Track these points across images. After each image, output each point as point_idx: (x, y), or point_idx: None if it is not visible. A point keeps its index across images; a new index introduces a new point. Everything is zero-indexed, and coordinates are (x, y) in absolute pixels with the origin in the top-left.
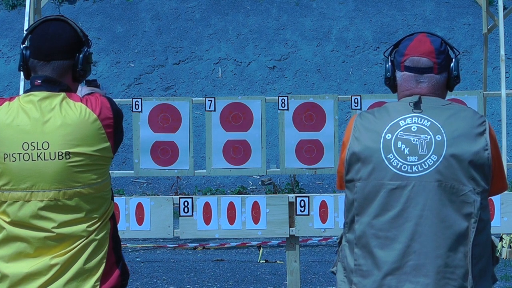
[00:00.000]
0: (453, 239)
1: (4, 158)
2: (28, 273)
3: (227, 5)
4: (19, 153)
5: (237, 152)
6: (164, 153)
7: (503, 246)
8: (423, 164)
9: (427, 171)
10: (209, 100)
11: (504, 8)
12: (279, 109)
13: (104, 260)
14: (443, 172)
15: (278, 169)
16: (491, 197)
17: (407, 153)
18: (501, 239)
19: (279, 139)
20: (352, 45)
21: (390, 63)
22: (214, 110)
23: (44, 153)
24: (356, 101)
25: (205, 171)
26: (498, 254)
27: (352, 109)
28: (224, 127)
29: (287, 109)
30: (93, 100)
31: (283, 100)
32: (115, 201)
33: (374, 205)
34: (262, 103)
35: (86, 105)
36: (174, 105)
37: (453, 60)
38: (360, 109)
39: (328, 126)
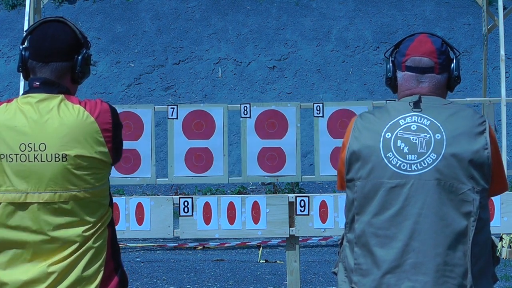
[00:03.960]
0: (452, 238)
1: (1, 159)
2: (26, 281)
3: (227, 5)
4: (16, 154)
5: (199, 159)
6: (127, 161)
7: (503, 246)
8: (422, 162)
9: (426, 170)
10: (171, 108)
11: (504, 8)
12: (241, 117)
13: (102, 268)
14: (442, 170)
15: (240, 177)
16: (491, 197)
17: (407, 151)
18: (501, 239)
19: (241, 147)
20: (352, 45)
21: (391, 64)
22: (177, 118)
23: (41, 154)
24: (318, 108)
25: (167, 179)
26: (498, 254)
27: (314, 116)
28: (187, 134)
29: (249, 117)
30: (92, 103)
31: (245, 108)
32: (115, 201)
33: (373, 203)
34: (224, 111)
35: (85, 107)
36: (137, 113)
37: (454, 60)
38: (323, 116)
39: (290, 134)
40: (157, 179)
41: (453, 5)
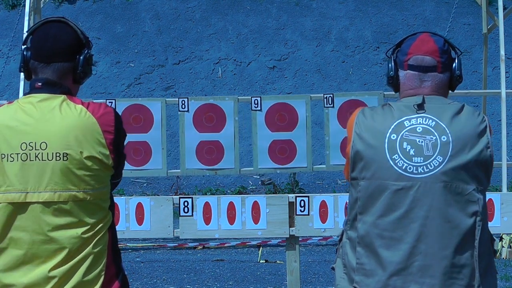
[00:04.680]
0: (459, 239)
1: (2, 158)
2: (27, 285)
3: (227, 5)
4: (17, 153)
5: (137, 153)
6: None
7: (503, 246)
8: (428, 165)
9: (432, 172)
10: (109, 102)
11: (504, 8)
12: (179, 111)
13: (103, 272)
14: (448, 173)
15: (179, 170)
16: (491, 197)
17: (413, 154)
18: (501, 239)
19: (179, 140)
20: (352, 45)
21: (392, 63)
22: (188, 111)
23: (42, 153)
24: (256, 102)
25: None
26: (498, 254)
27: (252, 110)
28: (126, 128)
29: (187, 111)
30: (96, 105)
31: (183, 102)
32: (115, 201)
33: (378, 205)
34: (162, 105)
35: (87, 108)
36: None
37: (456, 59)
38: (261, 110)
39: (228, 127)
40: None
41: (453, 5)
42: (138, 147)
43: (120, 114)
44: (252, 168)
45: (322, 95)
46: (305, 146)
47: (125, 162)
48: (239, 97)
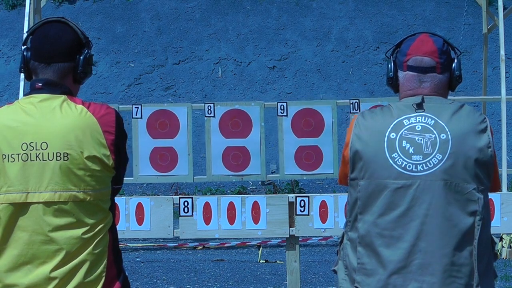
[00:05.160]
0: (459, 238)
1: (3, 159)
2: (28, 286)
3: (227, 5)
4: (18, 154)
5: (163, 159)
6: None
7: (503, 246)
8: (428, 163)
9: (432, 170)
10: (135, 107)
11: (504, 8)
12: (205, 116)
13: (104, 274)
14: (448, 171)
15: (205, 177)
16: (491, 197)
17: (412, 152)
18: (501, 239)
19: (206, 146)
20: (352, 45)
21: (392, 63)
22: (141, 117)
23: (42, 153)
24: (282, 108)
25: (132, 178)
26: (498, 254)
27: (278, 115)
28: (151, 134)
29: (214, 116)
30: (97, 105)
31: (209, 107)
32: (115, 201)
33: (378, 204)
34: (188, 110)
35: (88, 108)
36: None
37: (455, 60)
38: (287, 115)
39: (254, 133)
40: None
41: (453, 5)
42: (164, 152)
43: (146, 119)
44: (278, 174)
45: (348, 100)
46: (331, 152)
47: (150, 168)
48: (265, 103)
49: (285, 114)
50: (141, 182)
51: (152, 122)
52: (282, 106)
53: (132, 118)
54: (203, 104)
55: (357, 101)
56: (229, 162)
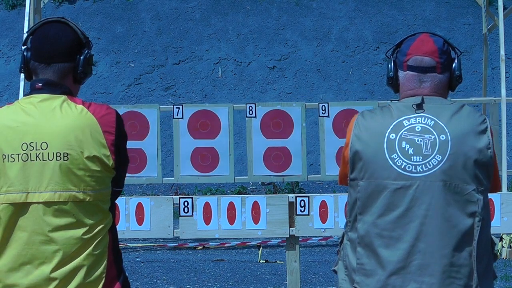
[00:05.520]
0: (458, 238)
1: (3, 159)
2: (28, 286)
3: (227, 5)
4: (18, 154)
5: (205, 159)
6: (133, 160)
7: (503, 246)
8: (427, 164)
9: (431, 171)
10: (176, 108)
11: (504, 8)
12: (246, 117)
13: (104, 275)
14: (447, 172)
15: (246, 177)
16: (491, 197)
17: (412, 153)
18: (501, 239)
19: (247, 146)
20: (352, 45)
21: (392, 63)
22: (182, 118)
23: (42, 153)
24: (323, 108)
25: (173, 178)
26: (498, 254)
27: (319, 116)
28: (192, 134)
29: (255, 117)
30: (97, 105)
31: (250, 108)
32: (115, 202)
33: (377, 204)
34: (230, 111)
35: (88, 108)
36: (142, 113)
37: (455, 60)
38: (328, 116)
39: (295, 133)
40: (163, 179)
41: (453, 5)
42: (205, 153)
43: (187, 119)
44: (319, 175)
45: (390, 101)
46: None
47: (191, 168)
48: (306, 104)
49: (326, 114)
50: (182, 182)
51: (193, 122)
52: (323, 107)
53: (173, 118)
54: (244, 105)
55: (326, 104)
56: (271, 163)
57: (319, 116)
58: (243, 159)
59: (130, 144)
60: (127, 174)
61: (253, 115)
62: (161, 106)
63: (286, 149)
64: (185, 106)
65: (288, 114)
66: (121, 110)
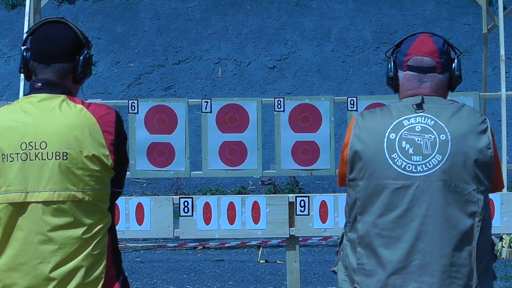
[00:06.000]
0: (458, 238)
1: (2, 158)
2: (27, 286)
3: (227, 5)
4: (17, 153)
5: (233, 153)
6: (161, 154)
7: (503, 246)
8: (427, 163)
9: (431, 171)
10: (205, 101)
11: (504, 8)
12: (275, 111)
13: (103, 275)
14: (447, 171)
15: (275, 171)
16: (491, 197)
17: (412, 152)
18: (501, 239)
19: (275, 140)
20: (352, 45)
21: (392, 63)
22: (210, 112)
23: (41, 152)
24: (352, 103)
25: (201, 172)
26: (498, 254)
27: (348, 110)
28: (220, 128)
29: (283, 111)
30: (97, 105)
31: (279, 102)
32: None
33: (377, 204)
34: (258, 105)
35: (87, 108)
36: (170, 106)
37: (455, 60)
38: (356, 110)
39: (324, 128)
40: (191, 173)
41: (453, 5)
42: (234, 147)
43: (215, 113)
44: (328, 168)
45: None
46: None
47: (220, 162)
48: (335, 98)
49: (355, 108)
50: (210, 176)
51: (222, 116)
52: (352, 101)
53: (202, 112)
54: (273, 99)
55: (355, 98)
56: (299, 157)
57: (348, 110)
58: (271, 153)
59: (159, 138)
60: (156, 168)
61: (282, 109)
62: (189, 100)
63: (314, 143)
64: (214, 100)
65: (317, 108)
66: (149, 104)
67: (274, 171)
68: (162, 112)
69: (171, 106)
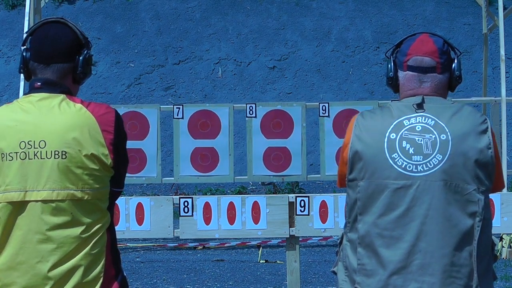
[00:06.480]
0: (458, 238)
1: (2, 158)
2: (26, 286)
3: (227, 5)
4: (16, 152)
5: (205, 159)
6: (133, 160)
7: (503, 246)
8: (428, 163)
9: (432, 171)
10: (177, 107)
11: (504, 8)
12: (246, 117)
13: (102, 274)
14: (448, 171)
15: (246, 177)
16: (491, 197)
17: (412, 152)
18: (501, 239)
19: (247, 146)
20: (352, 45)
21: (392, 63)
22: (182, 118)
23: (40, 151)
24: (324, 108)
25: (172, 178)
26: (498, 254)
27: (319, 116)
28: (192, 134)
29: (255, 116)
30: (97, 104)
31: (251, 108)
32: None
33: (378, 204)
34: (230, 111)
35: (87, 107)
36: (142, 113)
37: (455, 60)
38: (328, 116)
39: (296, 134)
40: (162, 179)
41: (453, 5)
42: (205, 153)
43: (187, 119)
44: (319, 175)
45: (391, 101)
46: None
47: (191, 168)
48: (307, 104)
49: (326, 114)
50: (182, 182)
51: (194, 122)
52: (324, 107)
53: (174, 118)
54: (245, 105)
55: (327, 104)
56: (270, 163)
57: (319, 116)
58: (243, 159)
59: (130, 144)
60: (127, 174)
61: (253, 115)
62: (161, 106)
63: (286, 149)
64: (185, 106)
65: (289, 114)
66: (121, 110)
67: (246, 177)
68: (134, 119)
69: (143, 112)
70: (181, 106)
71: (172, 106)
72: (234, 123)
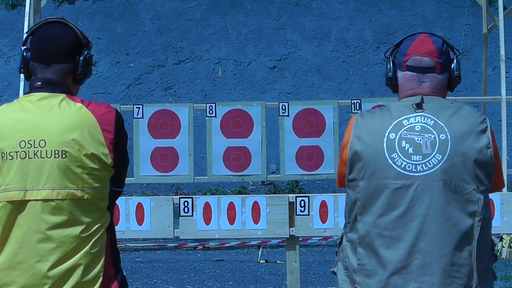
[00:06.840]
0: (458, 238)
1: (2, 157)
2: (25, 285)
3: (227, 5)
4: (16, 152)
5: (164, 159)
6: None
7: (503, 246)
8: (427, 163)
9: (431, 170)
10: (137, 107)
11: (504, 8)
12: (206, 116)
13: (102, 273)
14: (447, 171)
15: (206, 177)
16: (491, 197)
17: (411, 152)
18: (501, 239)
19: (207, 146)
20: (352, 45)
21: (391, 63)
22: (142, 117)
23: (40, 151)
24: (283, 108)
25: (133, 178)
26: (498, 254)
27: (279, 115)
28: (152, 134)
29: (215, 116)
30: (97, 104)
31: (210, 107)
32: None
33: (378, 204)
34: (190, 110)
35: (87, 107)
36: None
37: (454, 60)
38: (288, 115)
39: (255, 133)
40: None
41: (453, 5)
42: (165, 153)
43: (147, 119)
44: (279, 175)
45: (350, 100)
46: (332, 152)
47: (151, 168)
48: (267, 103)
49: (286, 114)
50: (142, 182)
51: (154, 122)
52: (283, 106)
53: (134, 118)
54: (205, 104)
55: (359, 101)
56: (230, 162)
57: (279, 115)
58: (203, 159)
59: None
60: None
61: (213, 114)
62: (121, 106)
63: (246, 148)
64: (145, 106)
65: (248, 114)
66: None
67: (206, 177)
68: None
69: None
70: (141, 106)
71: (132, 106)
72: (194, 123)
